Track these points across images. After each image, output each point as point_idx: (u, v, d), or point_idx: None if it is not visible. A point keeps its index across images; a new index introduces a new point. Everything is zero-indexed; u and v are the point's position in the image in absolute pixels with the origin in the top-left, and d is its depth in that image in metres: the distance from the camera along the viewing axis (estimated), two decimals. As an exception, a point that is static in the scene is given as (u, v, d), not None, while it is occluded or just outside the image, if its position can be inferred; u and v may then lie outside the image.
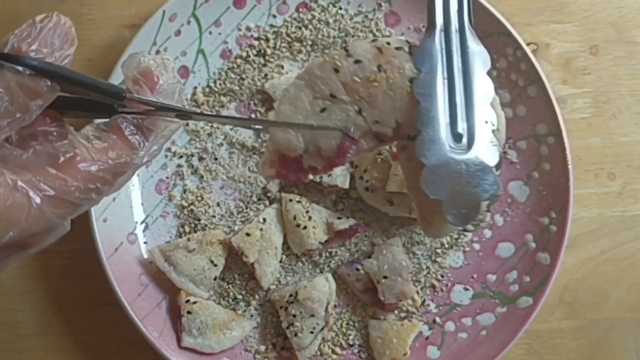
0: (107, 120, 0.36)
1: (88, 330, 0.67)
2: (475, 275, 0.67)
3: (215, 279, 0.65)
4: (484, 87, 0.41)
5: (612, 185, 0.70)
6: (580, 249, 0.69)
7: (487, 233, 0.68)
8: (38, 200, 0.32)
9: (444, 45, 0.41)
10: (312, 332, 0.63)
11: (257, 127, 0.46)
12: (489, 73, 0.42)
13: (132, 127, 0.36)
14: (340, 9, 0.69)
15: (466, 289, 0.66)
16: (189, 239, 0.64)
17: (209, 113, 0.41)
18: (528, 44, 0.68)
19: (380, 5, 0.69)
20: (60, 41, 0.33)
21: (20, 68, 0.31)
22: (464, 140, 0.39)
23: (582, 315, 0.69)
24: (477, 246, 0.68)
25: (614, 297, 0.69)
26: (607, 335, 0.69)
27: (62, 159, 0.33)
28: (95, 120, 0.38)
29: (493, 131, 0.40)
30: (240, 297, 0.66)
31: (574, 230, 0.68)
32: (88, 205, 0.35)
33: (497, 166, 0.40)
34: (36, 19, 0.33)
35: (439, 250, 0.67)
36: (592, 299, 0.69)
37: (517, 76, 0.66)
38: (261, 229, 0.64)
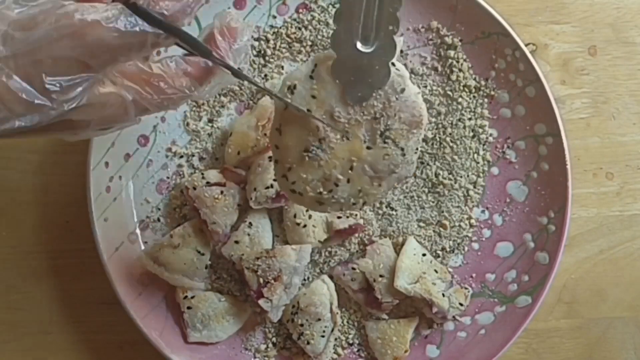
0: (190, 57, 0.44)
1: (88, 330, 0.67)
2: (474, 275, 0.67)
3: (206, 267, 0.65)
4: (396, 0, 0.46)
5: (610, 185, 0.71)
6: (578, 249, 0.70)
7: (486, 233, 0.68)
8: (129, 96, 0.41)
9: None
10: (323, 336, 0.64)
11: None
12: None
13: (205, 68, 0.44)
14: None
15: (465, 288, 0.66)
16: (171, 236, 0.65)
17: (254, 81, 0.50)
18: (527, 45, 0.68)
19: (379, 6, 0.69)
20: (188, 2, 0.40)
21: (155, 16, 0.38)
22: (371, 40, 0.46)
23: (581, 314, 0.69)
24: (475, 246, 0.68)
25: (613, 297, 0.69)
26: (605, 334, 0.69)
27: (153, 77, 0.42)
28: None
29: (394, 33, 0.46)
30: (235, 280, 0.66)
31: (573, 230, 0.69)
32: (154, 112, 0.43)
33: (392, 63, 0.47)
34: None
35: (440, 253, 0.68)
36: (591, 298, 0.69)
37: (515, 76, 0.67)
38: (249, 234, 0.65)
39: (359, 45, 0.46)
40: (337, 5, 0.46)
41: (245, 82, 0.68)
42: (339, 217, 0.65)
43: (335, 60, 0.47)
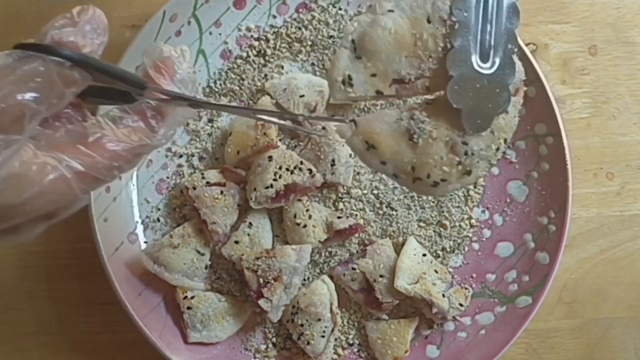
0: (131, 104, 0.40)
1: (88, 330, 0.67)
2: (474, 275, 0.67)
3: (206, 267, 0.65)
4: (512, 13, 0.44)
5: (610, 185, 0.71)
6: (579, 249, 0.70)
7: (486, 233, 0.68)
8: (68, 175, 0.35)
9: None
10: (323, 336, 0.64)
11: (263, 117, 0.48)
12: (516, 3, 0.45)
13: (153, 112, 0.39)
14: (340, 9, 0.69)
15: (465, 289, 0.66)
16: (171, 236, 0.65)
17: (218, 103, 0.44)
18: (527, 44, 0.68)
19: (379, 6, 0.69)
20: (94, 33, 0.36)
21: (61, 60, 0.33)
22: (490, 59, 0.43)
23: (581, 314, 0.69)
24: (476, 246, 0.68)
25: (613, 297, 0.69)
26: (605, 334, 0.69)
27: (91, 138, 0.36)
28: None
29: (513, 55, 0.44)
30: (235, 280, 0.66)
31: (573, 230, 0.69)
32: (110, 180, 0.38)
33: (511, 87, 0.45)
34: (73, 12, 0.36)
35: (440, 253, 0.68)
36: (591, 299, 0.69)
37: (516, 76, 0.66)
38: (249, 234, 0.65)
39: (477, 62, 0.43)
40: (454, 22, 0.44)
41: (246, 82, 0.68)
42: (339, 217, 0.65)
43: (453, 81, 0.43)
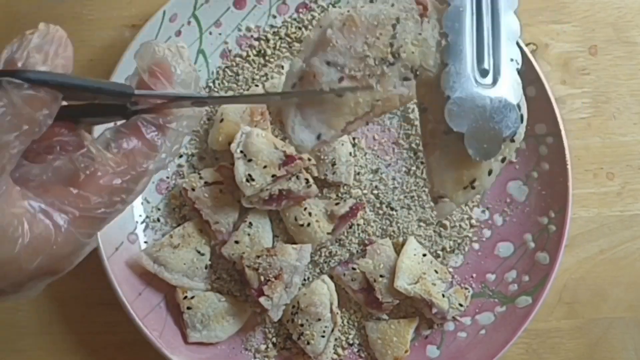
0: (124, 122, 0.35)
1: (88, 330, 0.67)
2: (474, 275, 0.67)
3: (206, 267, 0.65)
4: (511, 25, 0.41)
5: (611, 185, 0.71)
6: (579, 249, 0.70)
7: (486, 233, 0.68)
8: (63, 223, 0.31)
9: None
10: (323, 336, 0.64)
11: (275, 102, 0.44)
12: (515, 12, 0.42)
13: (151, 127, 0.35)
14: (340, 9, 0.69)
15: (465, 289, 0.66)
16: (171, 236, 0.65)
17: (224, 95, 0.38)
18: (527, 44, 0.68)
19: (379, 6, 0.69)
20: (53, 49, 0.31)
21: (18, 81, 0.30)
22: (490, 76, 0.39)
23: (581, 314, 0.69)
24: (476, 246, 0.68)
25: (613, 297, 0.69)
26: (606, 334, 0.69)
27: (82, 176, 0.32)
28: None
29: (517, 70, 0.40)
30: (235, 281, 0.66)
31: (573, 230, 0.69)
32: (115, 215, 0.34)
33: (519, 105, 0.40)
34: (25, 33, 0.32)
35: (440, 253, 0.68)
36: (591, 299, 0.69)
37: (516, 76, 0.66)
38: (249, 234, 0.65)
39: (476, 80, 0.39)
40: (445, 41, 0.39)
41: (246, 81, 0.68)
42: (337, 204, 0.65)
43: (450, 102, 0.39)
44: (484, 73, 0.39)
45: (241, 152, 0.62)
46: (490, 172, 0.42)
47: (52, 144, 0.34)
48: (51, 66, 0.31)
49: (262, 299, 0.62)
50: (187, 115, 0.36)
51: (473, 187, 0.42)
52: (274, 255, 0.62)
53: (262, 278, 0.62)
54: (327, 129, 0.40)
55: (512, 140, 0.41)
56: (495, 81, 0.39)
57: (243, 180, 0.61)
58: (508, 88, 0.40)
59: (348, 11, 0.41)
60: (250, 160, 0.62)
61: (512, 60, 0.40)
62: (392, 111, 0.68)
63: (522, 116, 0.41)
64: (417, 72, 0.40)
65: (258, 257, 0.63)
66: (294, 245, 0.64)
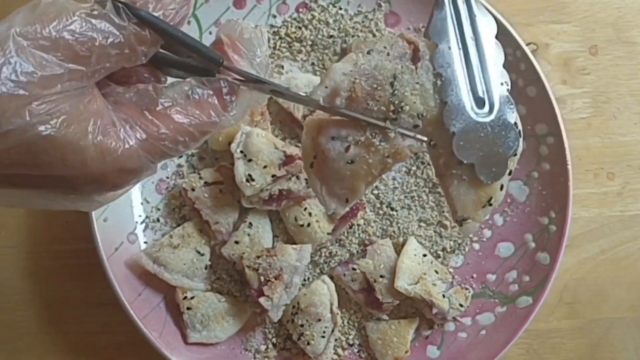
0: (209, 78, 0.38)
1: (88, 330, 0.67)
2: (475, 275, 0.67)
3: (206, 267, 0.65)
4: (495, 51, 0.44)
5: (611, 185, 0.71)
6: (579, 249, 0.70)
7: (487, 233, 0.68)
8: (131, 140, 0.34)
9: (454, 16, 0.43)
10: (323, 337, 0.64)
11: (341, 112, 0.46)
12: (496, 37, 0.45)
13: (229, 90, 0.37)
14: (340, 9, 0.69)
15: (466, 289, 0.66)
16: (171, 236, 0.65)
17: (301, 94, 0.41)
18: (528, 44, 0.68)
19: (380, 6, 0.69)
20: (174, 2, 0.35)
21: (129, 14, 0.33)
22: (486, 104, 0.42)
23: (582, 314, 0.69)
24: (476, 246, 0.68)
25: (614, 297, 0.69)
26: (606, 334, 0.69)
27: (159, 107, 0.35)
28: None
29: (508, 91, 0.43)
30: (235, 281, 0.66)
31: (574, 230, 0.68)
32: (173, 155, 0.36)
33: (516, 123, 0.44)
34: None
35: (441, 253, 0.67)
36: (592, 299, 0.69)
37: (516, 76, 0.66)
38: (249, 234, 0.64)
39: (474, 111, 0.42)
40: (439, 80, 0.42)
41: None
42: None
43: (457, 138, 0.42)
44: (479, 102, 0.42)
45: (241, 152, 0.62)
46: (502, 187, 0.45)
47: (131, 73, 0.37)
48: (167, 15, 0.35)
49: (262, 300, 0.62)
50: (254, 93, 0.39)
51: (490, 204, 0.45)
52: (274, 256, 0.62)
53: (262, 278, 0.62)
54: (351, 194, 0.44)
55: (515, 154, 0.44)
56: (491, 108, 0.42)
57: (243, 180, 0.61)
58: (504, 110, 0.43)
59: (353, 80, 0.42)
60: (250, 160, 0.62)
61: (502, 84, 0.43)
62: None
63: (520, 132, 0.44)
64: (423, 115, 0.42)
65: (258, 257, 0.63)
66: (294, 246, 0.64)
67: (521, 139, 0.44)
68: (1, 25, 0.31)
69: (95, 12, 0.32)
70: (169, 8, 0.35)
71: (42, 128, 0.31)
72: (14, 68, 0.30)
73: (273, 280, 0.62)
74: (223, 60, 0.37)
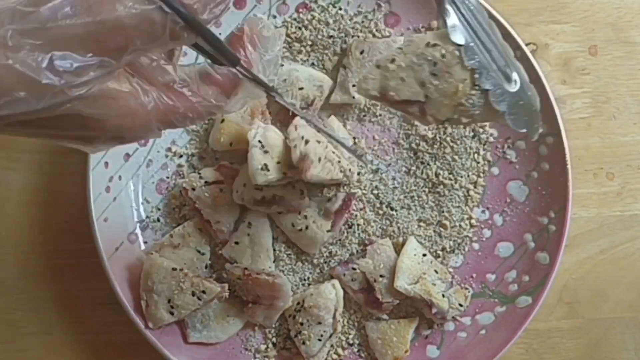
0: (218, 67, 0.41)
1: (88, 330, 0.67)
2: (474, 275, 0.67)
3: (206, 267, 0.65)
4: (497, 31, 0.49)
5: (611, 185, 0.71)
6: (579, 249, 0.70)
7: (486, 233, 0.68)
8: (147, 105, 0.37)
9: (459, 13, 0.49)
10: (320, 340, 0.64)
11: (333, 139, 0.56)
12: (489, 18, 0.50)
13: (233, 79, 0.41)
14: (340, 9, 0.69)
15: (465, 289, 0.66)
16: (171, 236, 0.65)
17: (289, 102, 0.48)
18: (527, 44, 0.68)
19: (380, 6, 0.69)
20: (214, 3, 0.36)
21: (166, 8, 0.35)
22: (512, 79, 0.49)
23: (581, 314, 0.69)
24: (476, 246, 0.68)
25: (613, 297, 0.69)
26: (606, 334, 0.69)
27: (177, 85, 0.39)
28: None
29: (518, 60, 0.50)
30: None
31: (573, 230, 0.69)
32: (180, 126, 0.40)
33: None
34: None
35: (440, 253, 0.68)
36: (591, 299, 0.69)
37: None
38: (249, 234, 0.65)
39: (508, 87, 0.49)
40: (471, 67, 0.48)
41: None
42: (328, 200, 0.65)
43: (507, 115, 0.49)
44: (508, 78, 0.49)
45: (259, 141, 0.61)
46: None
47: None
48: (206, 17, 0.36)
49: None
50: (254, 89, 0.43)
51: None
52: (249, 281, 0.63)
53: (244, 298, 0.64)
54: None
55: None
56: (515, 79, 0.49)
57: (259, 168, 0.60)
58: (524, 76, 0.50)
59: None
60: (266, 152, 0.61)
61: (515, 56, 0.50)
62: (392, 111, 0.68)
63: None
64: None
65: (238, 278, 0.63)
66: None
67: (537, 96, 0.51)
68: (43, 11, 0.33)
69: (141, 9, 0.34)
70: (213, 10, 0.37)
71: (69, 105, 0.34)
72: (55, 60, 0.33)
73: (251, 304, 0.64)
74: (239, 61, 0.41)
